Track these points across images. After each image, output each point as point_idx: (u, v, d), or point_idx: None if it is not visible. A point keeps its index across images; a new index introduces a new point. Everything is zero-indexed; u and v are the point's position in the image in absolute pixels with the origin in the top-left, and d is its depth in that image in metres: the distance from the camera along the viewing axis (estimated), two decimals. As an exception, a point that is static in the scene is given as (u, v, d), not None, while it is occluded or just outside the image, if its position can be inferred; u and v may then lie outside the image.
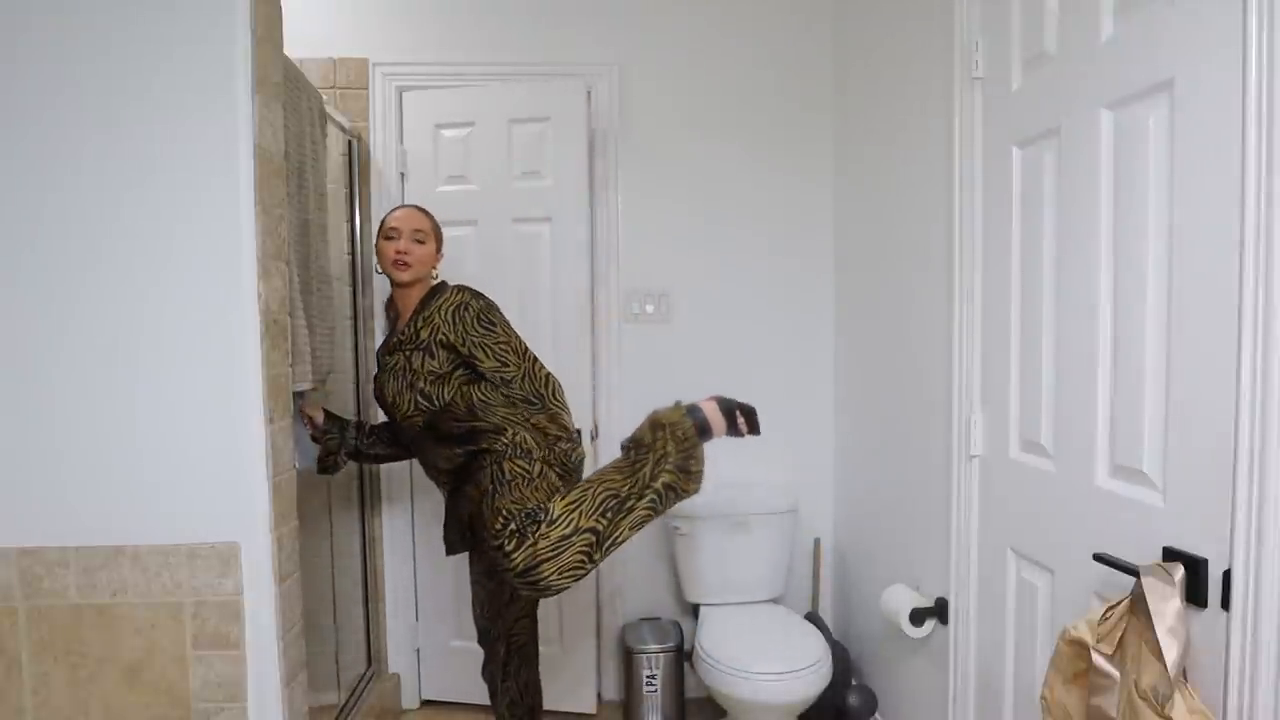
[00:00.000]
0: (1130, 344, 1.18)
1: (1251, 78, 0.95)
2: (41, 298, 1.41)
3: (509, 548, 1.58)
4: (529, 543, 1.57)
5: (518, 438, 1.78)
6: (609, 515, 1.62)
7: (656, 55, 2.51)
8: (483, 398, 1.80)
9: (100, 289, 1.42)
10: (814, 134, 2.55)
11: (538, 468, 1.76)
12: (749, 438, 1.81)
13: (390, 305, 2.01)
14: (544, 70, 2.46)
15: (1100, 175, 1.24)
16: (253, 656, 1.45)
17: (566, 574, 1.58)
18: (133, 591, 1.43)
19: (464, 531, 1.90)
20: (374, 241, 1.93)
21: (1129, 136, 1.18)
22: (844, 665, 2.24)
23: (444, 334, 1.80)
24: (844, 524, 2.55)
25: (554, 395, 1.83)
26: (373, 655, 2.51)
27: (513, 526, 1.60)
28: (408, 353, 1.83)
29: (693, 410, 1.74)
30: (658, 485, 1.65)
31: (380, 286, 2.47)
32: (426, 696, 2.58)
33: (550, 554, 1.57)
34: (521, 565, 1.57)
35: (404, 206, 1.96)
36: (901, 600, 1.91)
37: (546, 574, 1.57)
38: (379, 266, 1.92)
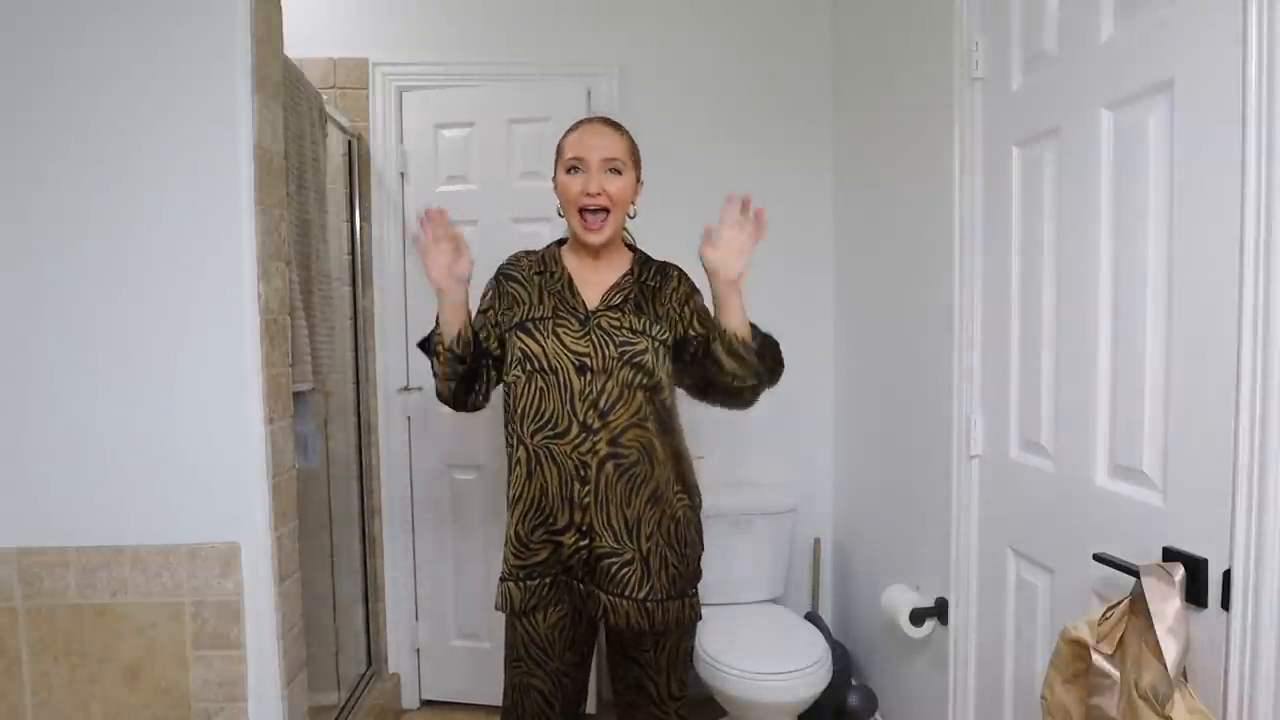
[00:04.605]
0: (1130, 344, 1.18)
1: (1251, 78, 0.95)
2: (41, 298, 1.41)
3: None
4: None
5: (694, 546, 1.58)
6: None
7: (656, 55, 2.51)
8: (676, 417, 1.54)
9: (100, 289, 1.42)
10: (814, 134, 2.55)
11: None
12: None
13: (562, 253, 1.54)
14: (544, 70, 2.46)
15: (1100, 175, 1.24)
16: (253, 656, 1.45)
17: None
18: (133, 591, 1.43)
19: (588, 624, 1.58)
20: (552, 176, 1.51)
21: (1129, 136, 1.18)
22: (844, 665, 2.24)
23: (680, 327, 1.51)
24: (844, 524, 2.54)
25: None
26: (373, 655, 2.51)
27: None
28: (630, 316, 1.47)
29: None
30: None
31: (383, 286, 2.47)
32: (426, 696, 2.57)
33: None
34: None
35: (589, 121, 1.50)
36: (901, 600, 1.91)
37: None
38: (560, 209, 1.50)
